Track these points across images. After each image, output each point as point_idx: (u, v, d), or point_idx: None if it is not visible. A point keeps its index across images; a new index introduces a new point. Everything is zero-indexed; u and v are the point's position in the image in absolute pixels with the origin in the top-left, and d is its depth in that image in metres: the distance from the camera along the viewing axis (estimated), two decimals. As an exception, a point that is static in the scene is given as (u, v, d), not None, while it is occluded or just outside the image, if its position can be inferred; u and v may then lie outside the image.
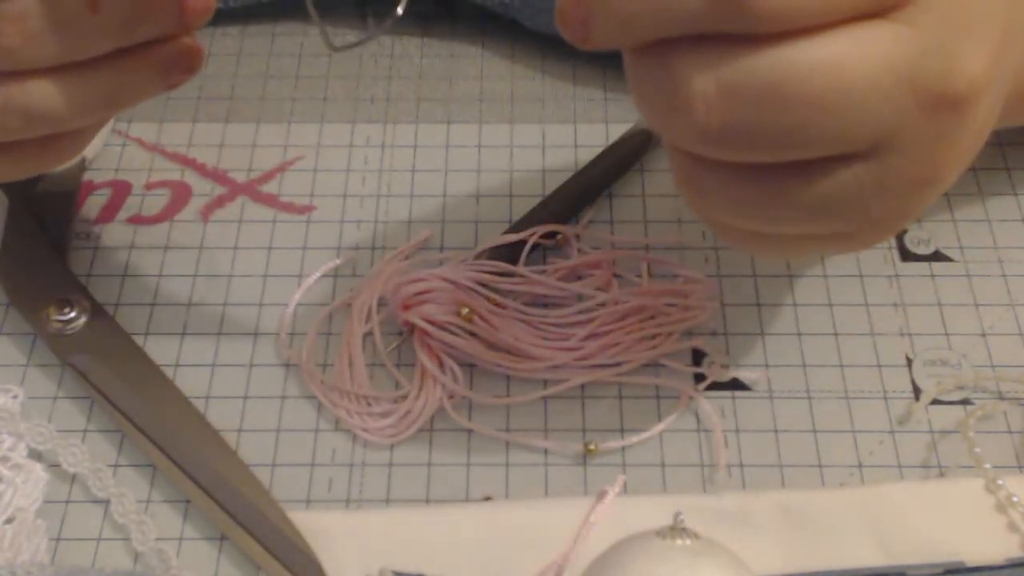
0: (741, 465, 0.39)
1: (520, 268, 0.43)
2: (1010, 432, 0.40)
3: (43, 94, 0.34)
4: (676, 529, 0.33)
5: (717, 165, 0.30)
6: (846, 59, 0.27)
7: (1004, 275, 0.44)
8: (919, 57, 0.28)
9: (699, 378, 0.41)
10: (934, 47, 0.28)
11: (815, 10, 0.27)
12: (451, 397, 0.40)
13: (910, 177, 0.30)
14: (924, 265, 0.44)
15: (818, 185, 0.30)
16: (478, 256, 0.43)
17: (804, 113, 0.28)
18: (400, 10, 0.38)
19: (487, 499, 0.39)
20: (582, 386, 0.41)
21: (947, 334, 0.42)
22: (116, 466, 0.39)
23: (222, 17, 0.54)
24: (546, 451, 0.40)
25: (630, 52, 0.29)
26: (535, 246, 0.44)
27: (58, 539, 0.38)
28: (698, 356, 0.42)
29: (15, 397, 0.40)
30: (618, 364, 0.41)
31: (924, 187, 0.31)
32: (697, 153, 0.30)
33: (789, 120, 0.28)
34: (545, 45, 0.52)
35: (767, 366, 0.42)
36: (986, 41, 0.29)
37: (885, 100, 0.28)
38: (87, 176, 0.47)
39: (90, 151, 0.47)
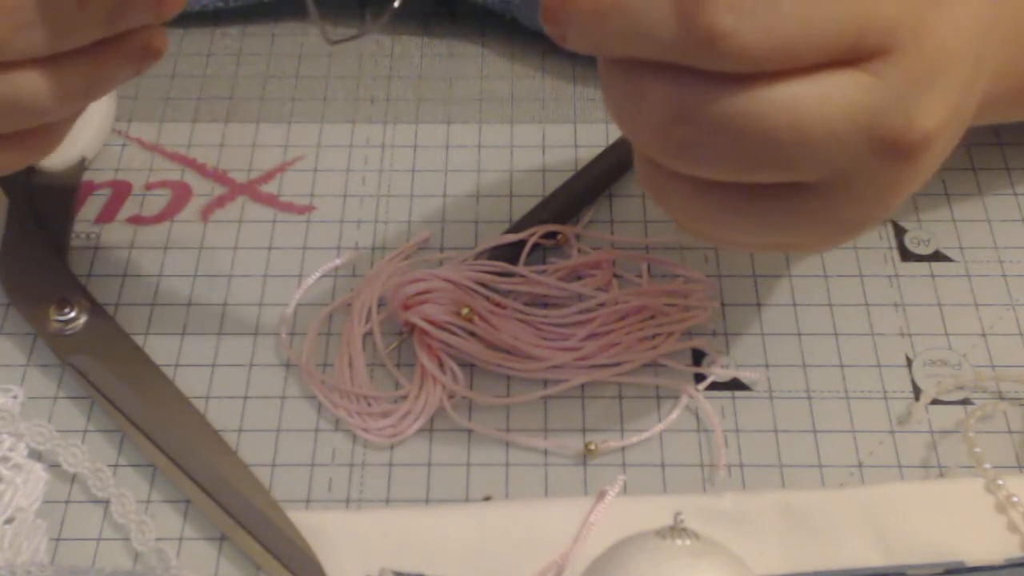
0: (741, 465, 0.39)
1: (520, 268, 0.43)
2: (1010, 432, 0.40)
3: (29, 85, 0.34)
4: (676, 529, 0.33)
5: (676, 174, 0.31)
6: (807, 103, 0.28)
7: (1004, 275, 0.44)
8: (880, 109, 0.28)
9: (699, 378, 0.41)
10: (896, 100, 0.28)
11: (786, 57, 0.27)
12: (451, 397, 0.40)
13: (857, 211, 0.31)
14: (924, 265, 0.44)
15: (768, 206, 0.31)
16: (478, 256, 0.43)
17: (759, 147, 0.28)
18: (397, 2, 0.38)
19: (487, 499, 0.39)
20: (582, 386, 0.41)
21: (947, 334, 0.42)
22: (116, 466, 0.39)
23: (222, 17, 0.54)
24: (546, 451, 0.40)
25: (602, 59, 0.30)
26: (535, 246, 0.44)
27: (58, 539, 0.38)
28: (698, 356, 0.42)
29: (15, 397, 0.40)
30: (618, 364, 0.41)
31: (871, 218, 0.32)
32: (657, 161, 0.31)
33: (744, 150, 0.29)
34: (545, 45, 0.52)
35: (767, 366, 0.42)
36: (948, 92, 0.29)
37: (840, 144, 0.28)
38: (87, 176, 0.47)
39: (90, 151, 0.47)
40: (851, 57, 0.28)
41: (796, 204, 0.31)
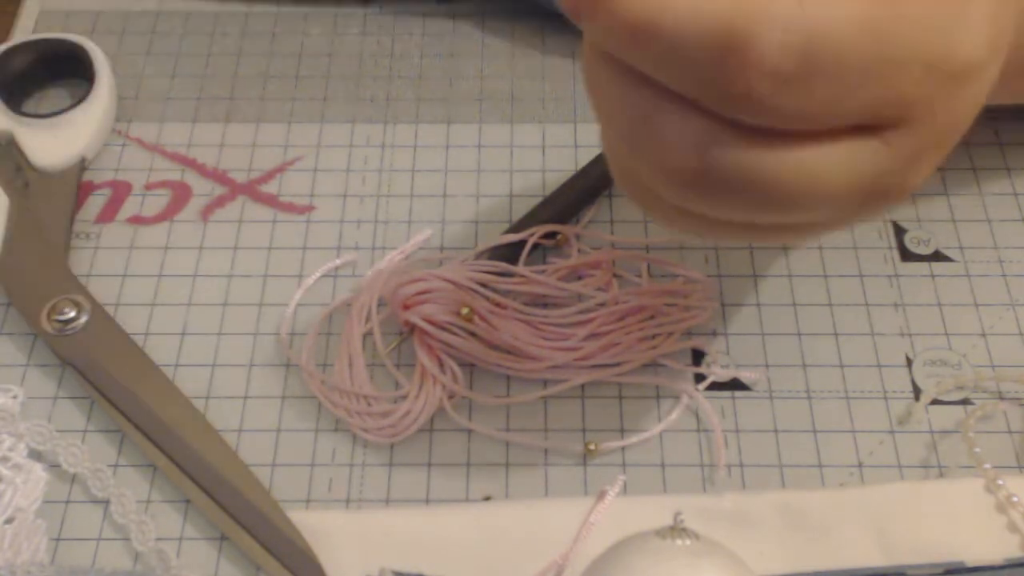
0: (741, 465, 0.39)
1: (520, 268, 0.43)
2: (1010, 432, 0.40)
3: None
4: (676, 529, 0.33)
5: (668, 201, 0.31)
6: (826, 167, 0.28)
7: (1004, 275, 0.44)
8: (883, 174, 0.29)
9: (699, 378, 0.41)
10: (899, 167, 0.29)
11: (811, 123, 0.28)
12: (451, 397, 0.41)
13: (832, 230, 0.33)
14: (924, 265, 0.44)
15: (752, 231, 0.32)
16: (478, 256, 0.43)
17: (769, 200, 0.29)
18: None
19: (487, 499, 0.39)
20: (582, 386, 0.41)
21: (947, 334, 0.42)
22: (116, 466, 0.39)
23: (222, 17, 0.54)
24: (546, 451, 0.40)
25: (624, 71, 0.29)
26: (535, 246, 0.44)
27: (58, 539, 0.38)
28: (698, 356, 0.42)
29: (15, 397, 0.40)
30: (618, 364, 0.41)
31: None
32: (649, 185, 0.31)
33: (753, 201, 0.29)
34: (546, 45, 0.52)
35: (767, 366, 0.42)
36: (945, 151, 0.31)
37: (840, 203, 0.29)
38: (87, 176, 0.47)
39: (90, 151, 0.47)
40: (869, 125, 0.28)
41: (779, 232, 0.32)
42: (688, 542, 0.32)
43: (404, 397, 0.41)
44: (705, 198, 0.29)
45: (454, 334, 0.41)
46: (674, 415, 0.40)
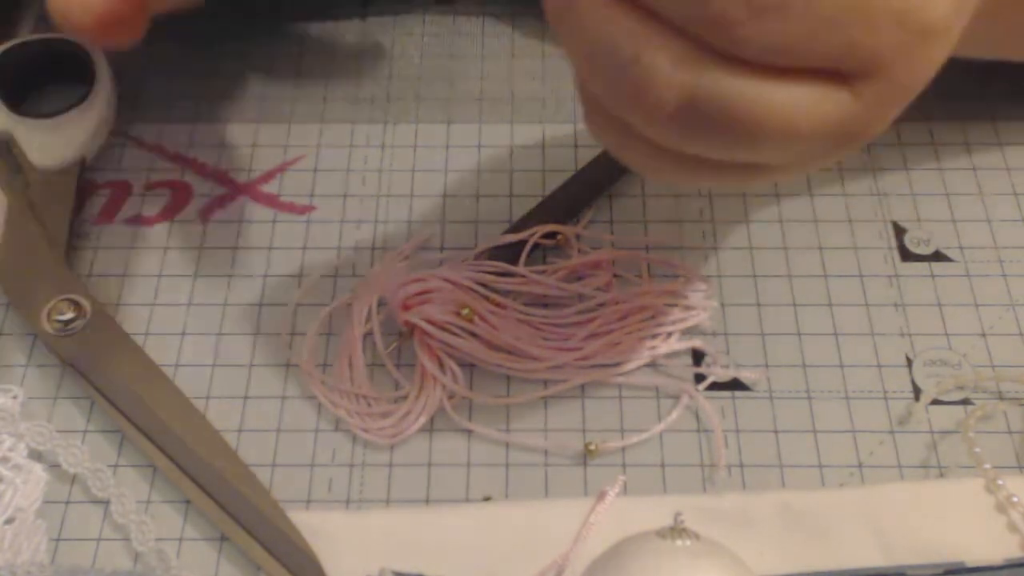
0: (741, 465, 0.39)
1: (520, 268, 0.43)
2: (1010, 432, 0.40)
3: None
4: (676, 529, 0.33)
5: (640, 136, 0.32)
6: (799, 108, 0.29)
7: (1004, 275, 0.44)
8: (849, 120, 0.30)
9: (699, 378, 0.41)
10: (864, 114, 0.30)
11: (787, 56, 0.28)
12: (451, 397, 0.41)
13: (804, 172, 0.36)
14: (924, 265, 0.45)
15: (724, 170, 0.32)
16: (478, 256, 0.43)
17: (743, 137, 0.30)
18: None
19: (487, 499, 0.39)
20: (582, 386, 0.41)
21: (947, 334, 0.42)
22: (116, 466, 0.39)
23: (222, 17, 0.54)
24: (546, 451, 0.40)
25: (602, 2, 0.29)
26: (535, 246, 0.44)
27: (58, 539, 0.38)
28: (698, 356, 0.42)
29: (15, 397, 0.40)
30: (618, 364, 0.41)
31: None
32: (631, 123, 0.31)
33: (727, 137, 0.30)
34: (545, 44, 0.52)
35: (767, 366, 0.42)
36: (905, 102, 0.31)
37: (809, 143, 0.30)
38: (87, 176, 0.47)
39: (90, 151, 0.47)
40: (836, 71, 0.29)
41: (750, 174, 0.33)
42: (688, 542, 0.32)
43: (404, 397, 0.41)
44: (683, 128, 0.30)
45: (454, 334, 0.41)
46: (674, 415, 0.40)
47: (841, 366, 0.42)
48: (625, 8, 0.29)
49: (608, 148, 0.34)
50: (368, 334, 0.42)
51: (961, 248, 0.45)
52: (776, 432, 0.40)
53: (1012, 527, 0.37)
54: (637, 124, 0.31)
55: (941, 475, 0.39)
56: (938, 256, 0.45)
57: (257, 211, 0.47)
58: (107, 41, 0.35)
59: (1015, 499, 0.37)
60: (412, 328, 0.41)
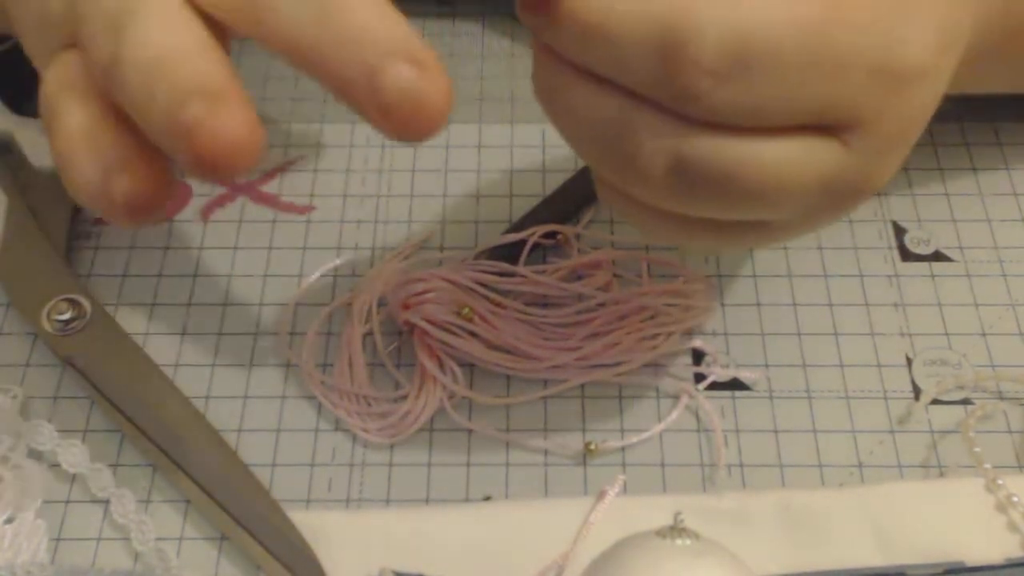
0: (741, 465, 0.39)
1: (520, 268, 0.43)
2: (1010, 432, 0.40)
3: None
4: (676, 529, 0.33)
5: (642, 202, 0.32)
6: (789, 164, 0.29)
7: (1004, 275, 0.44)
8: (845, 173, 0.30)
9: (699, 378, 0.41)
10: (860, 167, 0.30)
11: (760, 119, 0.29)
12: (451, 397, 0.40)
13: (806, 231, 0.35)
14: (924, 265, 0.44)
15: (726, 233, 0.33)
16: (478, 256, 0.43)
17: (736, 195, 0.30)
18: None
19: (487, 499, 0.39)
20: (582, 386, 0.41)
21: (947, 334, 0.42)
22: (116, 466, 0.39)
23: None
24: (546, 451, 0.40)
25: (583, 84, 0.30)
26: (535, 246, 0.44)
27: (58, 539, 0.38)
28: (698, 356, 0.42)
29: (15, 397, 0.40)
30: (618, 364, 0.41)
31: (811, 232, 0.37)
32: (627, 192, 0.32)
33: (720, 200, 0.30)
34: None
35: (767, 366, 0.42)
36: (903, 152, 0.32)
37: (807, 198, 0.31)
38: (87, 176, 0.47)
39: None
40: (820, 125, 0.29)
41: (754, 232, 0.33)
42: (688, 542, 0.32)
43: (404, 397, 0.41)
44: (675, 195, 0.30)
45: (454, 334, 0.41)
46: (674, 415, 0.40)
47: (841, 366, 0.42)
48: (605, 89, 0.30)
49: (619, 213, 0.35)
50: (368, 334, 0.42)
51: (961, 248, 0.45)
52: (776, 432, 0.40)
53: (1012, 527, 0.37)
54: (634, 193, 0.32)
55: (941, 475, 0.39)
56: (938, 256, 0.45)
57: (257, 211, 0.47)
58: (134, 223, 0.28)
59: (1015, 499, 0.37)
60: (412, 328, 0.41)
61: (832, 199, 0.31)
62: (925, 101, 0.31)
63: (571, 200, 0.46)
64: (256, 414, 0.41)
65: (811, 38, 0.28)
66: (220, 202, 0.47)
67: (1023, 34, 0.37)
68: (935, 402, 0.41)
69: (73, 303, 0.42)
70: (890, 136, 0.30)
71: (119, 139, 0.27)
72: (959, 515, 0.37)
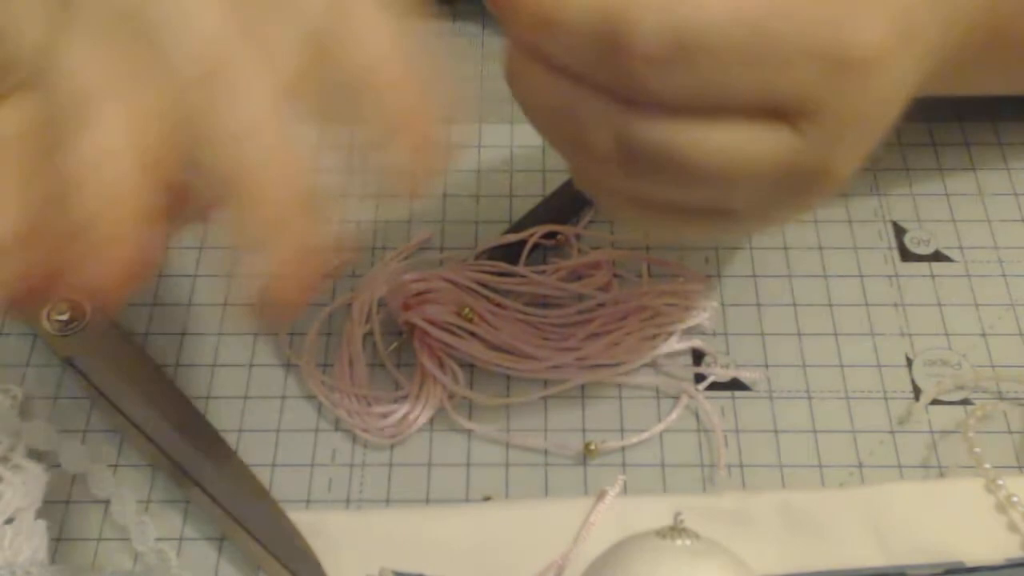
0: (741, 465, 0.39)
1: (520, 268, 0.43)
2: (1010, 432, 0.40)
3: None
4: (676, 529, 0.33)
5: (614, 188, 0.34)
6: (737, 149, 0.30)
7: (1004, 275, 0.44)
8: (799, 160, 0.31)
9: (699, 378, 0.41)
10: (814, 155, 0.31)
11: (703, 104, 0.29)
12: (451, 397, 0.40)
13: (772, 222, 0.38)
14: (924, 265, 0.44)
15: (698, 220, 0.34)
16: (478, 256, 0.43)
17: (690, 179, 0.31)
18: None
19: (487, 499, 0.39)
20: (582, 386, 0.41)
21: (947, 334, 0.42)
22: (116, 466, 0.39)
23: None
24: (546, 451, 0.40)
25: (541, 69, 0.31)
26: (535, 246, 0.44)
27: (58, 539, 0.38)
28: (698, 356, 0.42)
29: (15, 397, 0.40)
30: (618, 364, 0.41)
31: (776, 225, 0.38)
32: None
33: (676, 181, 0.31)
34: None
35: (767, 366, 0.42)
36: (862, 141, 0.32)
37: (763, 185, 0.31)
38: (87, 176, 0.47)
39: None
40: (770, 112, 0.30)
41: (721, 220, 0.33)
42: (688, 542, 0.32)
43: (404, 397, 0.41)
44: (629, 175, 0.31)
45: (454, 334, 0.41)
46: (674, 415, 0.40)
47: (841, 366, 0.42)
48: (558, 75, 0.31)
49: (596, 200, 0.36)
50: (368, 334, 0.42)
51: (961, 248, 0.45)
52: (776, 432, 0.40)
53: (1012, 527, 0.37)
54: (595, 175, 0.33)
55: (941, 475, 0.39)
56: (938, 256, 0.45)
57: (257, 211, 0.47)
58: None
59: (1015, 499, 0.37)
60: (412, 328, 0.41)
61: (790, 187, 0.31)
62: (882, 91, 0.31)
63: (571, 200, 0.45)
64: (256, 414, 0.41)
65: (751, 29, 0.28)
66: (220, 202, 0.47)
67: (1011, 33, 0.37)
68: (935, 402, 0.41)
69: (73, 303, 0.42)
70: (844, 124, 0.30)
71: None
72: (959, 515, 0.37)
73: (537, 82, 0.32)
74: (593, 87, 0.30)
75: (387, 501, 0.39)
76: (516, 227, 0.44)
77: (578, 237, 0.45)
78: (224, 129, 0.26)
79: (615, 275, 0.43)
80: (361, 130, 0.29)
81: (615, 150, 0.31)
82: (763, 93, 0.29)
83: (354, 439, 0.40)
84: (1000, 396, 0.41)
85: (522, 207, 0.46)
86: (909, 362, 0.42)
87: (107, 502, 0.38)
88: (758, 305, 0.43)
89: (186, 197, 0.28)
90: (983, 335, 0.42)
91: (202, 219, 0.30)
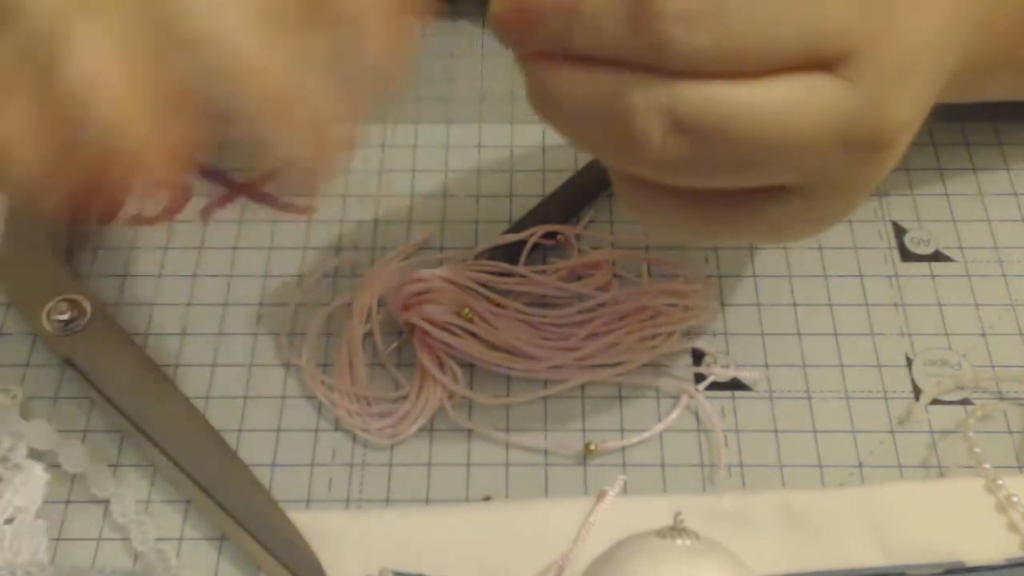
0: (741, 465, 0.39)
1: (520, 268, 0.43)
2: (1010, 432, 0.40)
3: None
4: (676, 529, 0.33)
5: (659, 190, 0.32)
6: (789, 107, 0.28)
7: (1004, 275, 0.44)
8: (855, 112, 0.29)
9: (699, 378, 0.41)
10: (869, 101, 0.29)
11: (741, 61, 0.28)
12: (451, 397, 0.40)
13: (834, 207, 0.33)
14: (924, 265, 0.44)
15: (751, 213, 0.32)
16: (478, 256, 0.43)
17: (747, 151, 0.29)
18: None
19: (487, 499, 0.39)
20: (582, 386, 0.41)
21: (947, 334, 0.42)
22: (116, 466, 0.39)
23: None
24: (546, 451, 0.40)
25: (570, 69, 0.30)
26: (535, 246, 0.44)
27: (58, 539, 0.38)
28: (698, 356, 0.42)
29: (15, 397, 0.40)
30: (618, 364, 0.41)
31: (845, 212, 0.34)
32: (641, 176, 0.31)
33: (732, 156, 0.29)
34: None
35: (767, 366, 0.42)
36: (916, 87, 0.30)
37: (818, 145, 0.29)
38: (87, 176, 0.47)
39: (90, 151, 0.47)
40: (816, 62, 0.28)
41: (777, 208, 0.32)
42: (688, 542, 0.32)
43: (404, 397, 0.41)
44: (680, 159, 0.29)
45: (454, 334, 0.41)
46: (674, 415, 0.40)
47: (841, 366, 0.42)
48: (591, 69, 0.29)
49: (638, 211, 0.34)
50: (368, 334, 0.42)
51: (961, 248, 0.45)
52: (776, 432, 0.40)
53: (1012, 527, 0.37)
54: (643, 170, 0.31)
55: (941, 475, 0.39)
56: (938, 256, 0.45)
57: (257, 211, 0.47)
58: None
59: (1015, 499, 0.37)
60: (412, 328, 0.41)
61: (849, 148, 0.29)
62: (928, 32, 0.29)
63: (571, 200, 0.46)
64: (256, 414, 0.41)
65: None
66: (220, 202, 0.47)
67: None
68: (935, 402, 0.41)
69: (73, 303, 0.42)
70: (894, 62, 0.29)
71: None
72: (959, 515, 0.37)
73: (570, 85, 0.30)
74: (631, 69, 0.29)
75: (387, 501, 0.39)
76: (516, 227, 0.44)
77: (578, 237, 0.45)
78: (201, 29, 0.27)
79: (615, 275, 0.43)
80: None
81: (661, 129, 0.29)
82: (804, 39, 0.28)
83: (354, 439, 0.40)
84: (1000, 396, 0.41)
85: (522, 207, 0.46)
86: (909, 362, 0.42)
87: (107, 502, 0.38)
88: (758, 305, 0.43)
89: (188, 97, 0.28)
90: (983, 335, 0.42)
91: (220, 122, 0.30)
